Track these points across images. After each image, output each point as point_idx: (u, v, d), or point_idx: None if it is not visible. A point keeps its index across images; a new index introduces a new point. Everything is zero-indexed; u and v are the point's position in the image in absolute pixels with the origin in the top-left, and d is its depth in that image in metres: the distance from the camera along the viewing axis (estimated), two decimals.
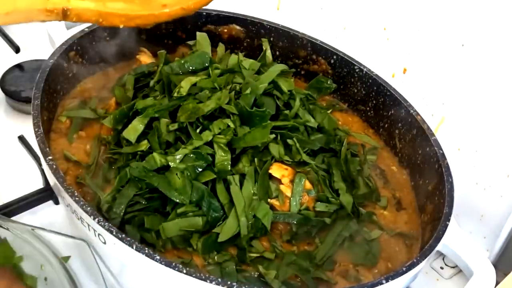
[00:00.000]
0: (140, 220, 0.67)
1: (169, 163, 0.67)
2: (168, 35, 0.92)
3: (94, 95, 0.82)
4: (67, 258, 0.68)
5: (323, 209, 0.71)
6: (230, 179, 0.68)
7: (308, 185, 0.71)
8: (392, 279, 0.60)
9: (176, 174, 0.67)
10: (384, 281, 0.59)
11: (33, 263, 0.67)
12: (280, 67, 0.82)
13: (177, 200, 0.66)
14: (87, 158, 0.73)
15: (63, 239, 0.68)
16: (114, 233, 0.59)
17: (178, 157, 0.68)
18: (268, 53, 0.90)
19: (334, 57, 0.89)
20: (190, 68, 0.79)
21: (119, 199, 0.67)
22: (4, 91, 0.97)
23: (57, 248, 0.67)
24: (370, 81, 0.86)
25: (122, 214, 0.66)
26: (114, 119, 0.74)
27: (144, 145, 0.70)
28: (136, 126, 0.72)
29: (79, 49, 0.82)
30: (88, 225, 0.61)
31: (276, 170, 0.71)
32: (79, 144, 0.75)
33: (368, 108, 0.88)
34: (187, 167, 0.68)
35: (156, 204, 0.68)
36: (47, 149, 0.66)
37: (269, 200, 0.70)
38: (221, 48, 0.90)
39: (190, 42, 0.91)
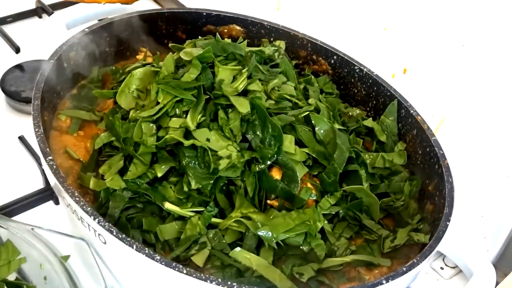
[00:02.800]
0: (140, 221, 0.66)
1: (157, 174, 0.67)
2: (168, 35, 0.92)
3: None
4: (66, 258, 0.68)
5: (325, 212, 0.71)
6: (233, 189, 0.68)
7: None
8: (392, 279, 0.60)
9: (170, 187, 0.67)
10: (384, 281, 0.59)
11: (32, 262, 0.67)
12: None
13: (173, 213, 0.66)
14: (87, 157, 0.73)
15: (63, 239, 0.68)
16: (114, 233, 0.59)
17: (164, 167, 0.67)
18: None
19: (334, 57, 0.89)
20: None
21: (113, 202, 0.67)
22: (4, 91, 0.97)
23: (56, 248, 0.67)
24: (370, 81, 0.86)
25: (117, 217, 0.66)
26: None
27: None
28: None
29: (79, 49, 0.82)
30: (88, 225, 0.61)
31: (277, 172, 0.71)
32: (79, 141, 0.75)
33: (368, 109, 0.87)
34: (179, 179, 0.67)
35: (153, 207, 0.68)
36: (47, 149, 0.66)
37: (268, 201, 0.69)
38: None
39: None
